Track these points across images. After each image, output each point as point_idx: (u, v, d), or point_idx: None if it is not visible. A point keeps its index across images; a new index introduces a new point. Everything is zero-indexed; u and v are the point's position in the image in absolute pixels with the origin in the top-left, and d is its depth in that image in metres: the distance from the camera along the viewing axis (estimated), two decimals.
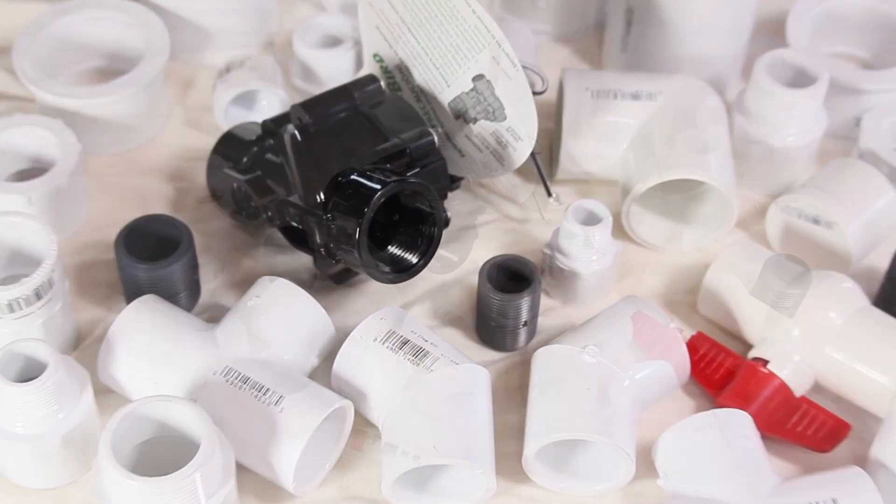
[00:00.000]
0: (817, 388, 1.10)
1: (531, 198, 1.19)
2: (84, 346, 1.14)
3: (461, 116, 1.17)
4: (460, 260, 1.15)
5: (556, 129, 1.28)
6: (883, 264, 1.16)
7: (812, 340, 1.08)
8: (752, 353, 1.11)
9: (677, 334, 1.07)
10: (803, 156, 1.23)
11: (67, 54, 1.33)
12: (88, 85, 1.33)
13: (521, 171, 1.24)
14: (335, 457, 1.06)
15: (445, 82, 1.16)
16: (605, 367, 1.04)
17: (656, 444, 1.03)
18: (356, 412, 1.06)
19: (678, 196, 1.24)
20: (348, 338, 1.06)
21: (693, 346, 1.12)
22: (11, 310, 1.05)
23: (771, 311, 1.09)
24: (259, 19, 1.37)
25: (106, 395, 1.08)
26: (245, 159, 1.16)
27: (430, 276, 1.18)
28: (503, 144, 1.16)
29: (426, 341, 1.05)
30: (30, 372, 1.00)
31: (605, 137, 1.22)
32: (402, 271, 1.09)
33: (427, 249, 1.10)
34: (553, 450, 1.04)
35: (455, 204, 1.23)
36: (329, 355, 1.09)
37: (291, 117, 1.12)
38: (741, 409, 1.05)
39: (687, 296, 1.18)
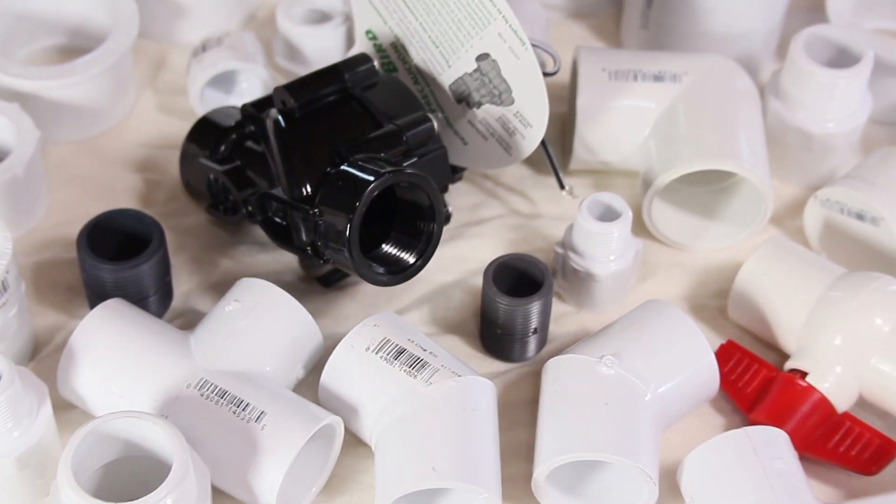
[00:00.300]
0: (862, 403, 1.10)
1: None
2: (42, 355, 1.14)
3: (464, 100, 1.17)
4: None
5: (569, 114, 1.28)
6: None
7: (856, 350, 1.07)
8: (788, 364, 1.10)
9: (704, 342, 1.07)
10: (845, 143, 1.23)
11: (25, 31, 1.33)
12: (48, 65, 1.33)
13: (530, 161, 1.25)
14: (323, 479, 1.06)
15: (446, 62, 1.16)
16: (625, 380, 1.04)
17: (681, 465, 1.03)
18: (346, 429, 1.06)
19: (705, 189, 1.24)
20: (337, 347, 1.06)
21: (723, 355, 1.12)
22: None
23: (810, 318, 1.09)
24: None
25: (66, 410, 1.08)
26: (223, 148, 1.17)
27: (428, 279, 1.18)
28: (510, 131, 1.16)
29: (424, 351, 1.05)
30: None
31: (624, 123, 1.22)
32: (398, 273, 1.09)
33: (425, 248, 1.10)
34: (566, 472, 1.04)
35: (457, 198, 1.23)
36: (316, 366, 1.10)
37: (274, 101, 1.12)
38: (777, 426, 1.05)
39: (715, 300, 1.19)
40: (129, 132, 1.30)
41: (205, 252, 1.20)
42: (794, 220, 1.24)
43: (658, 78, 1.22)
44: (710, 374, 1.07)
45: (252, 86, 1.30)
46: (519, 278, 1.12)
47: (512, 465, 1.06)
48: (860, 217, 1.17)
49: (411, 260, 1.10)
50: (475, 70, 1.14)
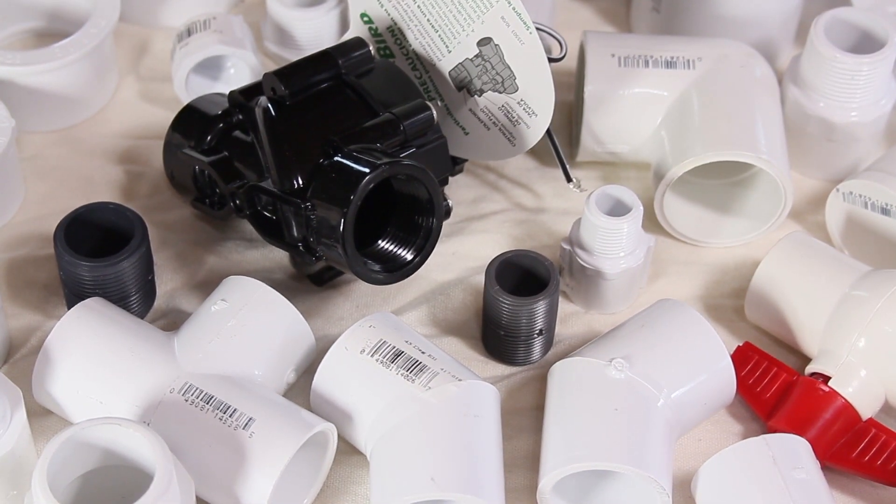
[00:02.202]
0: (888, 409, 1.09)
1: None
2: (16, 358, 1.13)
3: (465, 87, 1.17)
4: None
5: (576, 102, 1.28)
6: None
7: (882, 352, 1.07)
8: (809, 368, 1.10)
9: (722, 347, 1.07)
10: (869, 133, 1.23)
11: None
12: (24, 49, 1.32)
13: (535, 152, 1.25)
14: (315, 490, 1.05)
15: (446, 47, 1.16)
16: (636, 385, 1.04)
17: (697, 475, 1.03)
18: (340, 437, 1.05)
19: (721, 182, 1.24)
20: (330, 349, 1.05)
21: (740, 359, 1.11)
22: None
23: (832, 318, 1.09)
24: None
25: (42, 416, 1.08)
26: (209, 138, 1.16)
27: (427, 277, 1.18)
28: (514, 120, 1.16)
29: (423, 353, 1.05)
30: None
31: (635, 112, 1.22)
32: (395, 270, 1.09)
33: (424, 244, 1.10)
34: (573, 482, 1.04)
35: (457, 191, 1.23)
36: (308, 370, 1.10)
37: (264, 88, 1.12)
38: (797, 434, 1.05)
39: (732, 299, 1.18)
40: (110, 121, 1.29)
41: (190, 248, 1.20)
42: (815, 214, 1.24)
43: (670, 64, 1.22)
44: (726, 378, 1.07)
45: (240, 72, 1.30)
46: (523, 276, 1.11)
47: (516, 476, 1.06)
48: (885, 211, 1.16)
49: (409, 257, 1.10)
50: (477, 55, 1.14)
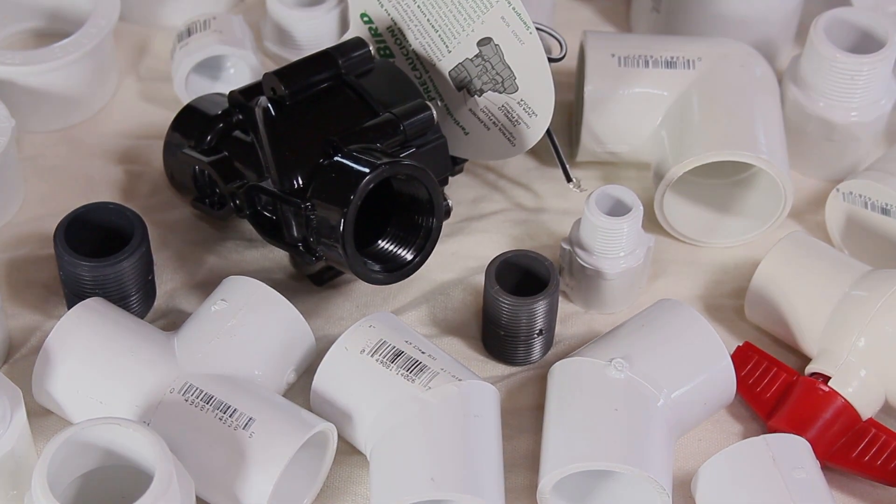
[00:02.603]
0: (888, 409, 1.09)
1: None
2: (16, 358, 1.13)
3: (465, 87, 1.17)
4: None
5: (576, 102, 1.28)
6: None
7: (882, 352, 1.07)
8: (809, 368, 1.10)
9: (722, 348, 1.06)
10: (869, 133, 1.23)
11: None
12: (24, 49, 1.32)
13: (534, 152, 1.25)
14: (315, 490, 1.05)
15: (446, 47, 1.16)
16: (636, 384, 1.04)
17: (696, 475, 1.03)
18: (340, 437, 1.05)
19: (721, 181, 1.24)
20: (330, 349, 1.05)
21: (740, 358, 1.11)
22: None
23: (832, 318, 1.09)
24: None
25: (42, 416, 1.08)
26: (209, 137, 1.16)
27: (427, 277, 1.18)
28: (514, 120, 1.16)
29: (423, 353, 1.05)
30: None
31: (635, 112, 1.22)
32: (395, 270, 1.09)
33: (424, 244, 1.10)
34: (573, 482, 1.04)
35: (457, 191, 1.23)
36: (308, 370, 1.10)
37: (264, 88, 1.12)
38: (797, 434, 1.05)
39: (732, 299, 1.18)
40: (110, 121, 1.29)
41: (190, 248, 1.20)
42: (815, 214, 1.24)
43: (670, 64, 1.22)
44: (726, 378, 1.06)
45: (240, 72, 1.30)
46: (523, 276, 1.11)
47: (516, 476, 1.06)
48: (885, 211, 1.16)
49: (409, 257, 1.10)
50: (477, 55, 1.14)
